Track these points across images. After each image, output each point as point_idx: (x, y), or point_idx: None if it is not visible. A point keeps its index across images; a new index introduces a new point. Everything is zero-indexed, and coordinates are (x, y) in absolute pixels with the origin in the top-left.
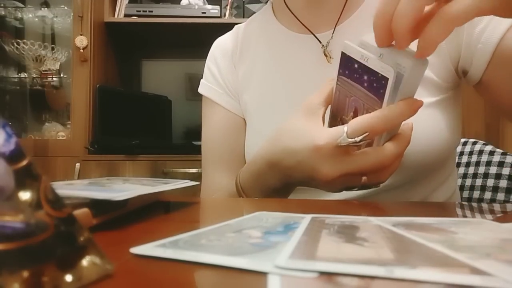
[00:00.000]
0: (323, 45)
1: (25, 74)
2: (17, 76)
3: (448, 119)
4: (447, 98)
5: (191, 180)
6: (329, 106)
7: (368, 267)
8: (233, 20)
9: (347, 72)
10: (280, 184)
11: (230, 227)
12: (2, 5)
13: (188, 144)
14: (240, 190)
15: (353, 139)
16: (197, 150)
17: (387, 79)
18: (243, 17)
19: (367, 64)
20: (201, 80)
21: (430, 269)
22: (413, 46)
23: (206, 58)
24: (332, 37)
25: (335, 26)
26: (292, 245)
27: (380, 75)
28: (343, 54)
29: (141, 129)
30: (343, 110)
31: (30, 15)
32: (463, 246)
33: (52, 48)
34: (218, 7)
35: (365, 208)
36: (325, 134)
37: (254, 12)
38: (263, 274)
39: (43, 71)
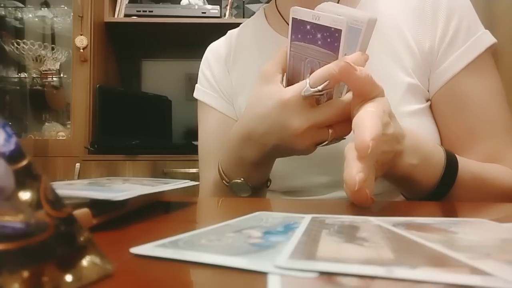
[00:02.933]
0: None
1: (25, 74)
2: (17, 76)
3: (434, 125)
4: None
5: (191, 180)
6: (285, 75)
7: (368, 267)
8: (233, 20)
9: (299, 36)
10: (258, 156)
11: (230, 227)
12: (2, 5)
13: (188, 144)
14: (221, 173)
15: (315, 88)
16: (197, 150)
17: (340, 30)
18: (243, 17)
19: (319, 22)
20: (196, 85)
21: (430, 269)
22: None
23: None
24: None
25: None
26: (292, 245)
27: (333, 29)
28: (293, 19)
29: (141, 129)
30: (299, 75)
31: (30, 15)
32: (463, 246)
33: (52, 48)
34: (218, 7)
35: (365, 208)
36: (289, 90)
37: (254, 12)
38: (263, 274)
39: (43, 71)
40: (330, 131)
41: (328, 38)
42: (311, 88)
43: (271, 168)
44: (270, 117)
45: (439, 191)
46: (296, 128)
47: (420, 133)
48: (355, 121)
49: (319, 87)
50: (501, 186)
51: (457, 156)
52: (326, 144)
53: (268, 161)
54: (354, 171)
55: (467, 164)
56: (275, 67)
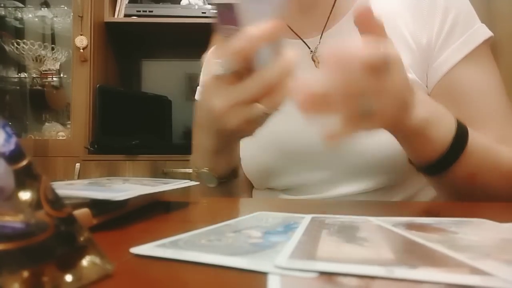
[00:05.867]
0: (311, 51)
1: (25, 74)
2: (17, 76)
3: None
4: None
5: (191, 180)
6: None
7: (368, 267)
8: None
9: (221, 19)
10: (212, 143)
11: (230, 227)
12: (2, 5)
13: (188, 144)
14: (191, 165)
15: (224, 67)
16: None
17: (237, 5)
18: None
19: (221, 1)
20: (198, 87)
21: (430, 269)
22: None
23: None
24: (319, 42)
25: (322, 32)
26: (292, 245)
27: (232, 5)
28: (212, 5)
29: (141, 129)
30: None
31: (30, 15)
32: (463, 246)
33: (52, 48)
34: None
35: (365, 208)
36: (209, 73)
37: None
38: (263, 274)
39: (43, 71)
40: (258, 105)
41: (236, 16)
42: (222, 67)
43: (233, 156)
44: (202, 103)
45: (450, 153)
46: (217, 109)
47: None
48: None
49: (228, 64)
50: (509, 164)
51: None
52: (261, 122)
53: (225, 148)
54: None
55: (477, 135)
56: (212, 55)
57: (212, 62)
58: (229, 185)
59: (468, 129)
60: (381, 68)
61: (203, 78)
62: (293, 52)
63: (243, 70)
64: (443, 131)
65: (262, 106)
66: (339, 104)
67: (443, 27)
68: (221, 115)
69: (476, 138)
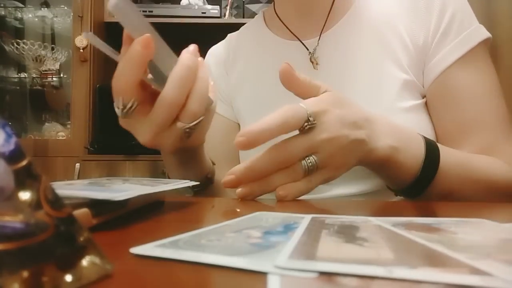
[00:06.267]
0: (310, 52)
1: (25, 74)
2: (17, 76)
3: (430, 121)
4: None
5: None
6: None
7: (368, 267)
8: (233, 20)
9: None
10: (174, 159)
11: (230, 227)
12: (2, 5)
13: None
14: (167, 177)
15: (123, 106)
16: None
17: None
18: (243, 17)
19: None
20: None
21: (430, 269)
22: None
23: (204, 58)
24: (318, 44)
25: (321, 33)
26: (292, 245)
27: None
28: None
29: None
30: None
31: (30, 15)
32: (463, 246)
33: (52, 48)
34: (218, 7)
35: (365, 208)
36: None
37: (254, 12)
38: (263, 274)
39: (43, 71)
40: (179, 123)
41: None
42: (118, 108)
43: (201, 164)
44: None
45: (423, 176)
46: (144, 142)
47: (395, 121)
48: None
49: (123, 106)
50: (491, 178)
51: (439, 145)
52: (189, 135)
53: (187, 161)
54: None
55: (450, 152)
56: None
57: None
58: (206, 191)
59: (440, 147)
60: (302, 127)
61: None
62: (188, 51)
63: (145, 94)
64: (412, 154)
65: (181, 122)
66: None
67: (439, 26)
68: (152, 145)
69: (450, 155)
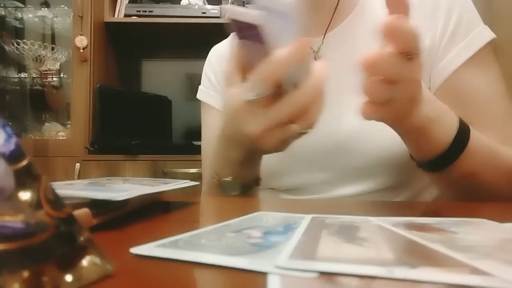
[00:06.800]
0: (314, 51)
1: (25, 74)
2: (17, 76)
3: None
4: None
5: (191, 180)
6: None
7: (368, 267)
8: None
9: (240, 34)
10: (241, 156)
11: (230, 227)
12: (2, 5)
13: (188, 144)
14: (213, 173)
15: (255, 92)
16: (197, 150)
17: (261, 26)
18: None
19: (244, 20)
20: (199, 87)
21: (430, 269)
22: None
23: (206, 58)
24: (322, 43)
25: (325, 33)
26: (292, 245)
27: (256, 25)
28: (229, 19)
29: (141, 129)
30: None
31: (30, 15)
32: (463, 246)
33: (52, 48)
34: (218, 7)
35: (365, 208)
36: (237, 96)
37: None
38: (263, 274)
39: (43, 71)
40: (293, 126)
41: (258, 34)
42: (250, 92)
43: (258, 166)
44: (232, 122)
45: (451, 152)
46: (252, 133)
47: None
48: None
49: (259, 90)
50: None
51: (470, 126)
52: (295, 139)
53: (252, 160)
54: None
55: (479, 135)
56: (231, 67)
57: (241, 86)
58: (252, 192)
59: (471, 128)
60: (414, 55)
61: (206, 76)
62: (323, 66)
63: (273, 91)
64: (445, 130)
65: (296, 126)
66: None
67: (447, 28)
68: (256, 137)
69: (478, 138)
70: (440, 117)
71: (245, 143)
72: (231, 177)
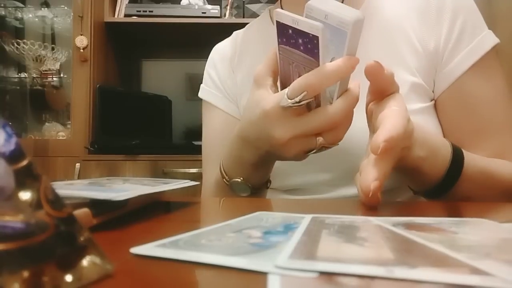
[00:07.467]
0: None
1: (25, 74)
2: (17, 76)
3: (437, 124)
4: (434, 105)
5: (191, 180)
6: (278, 77)
7: (368, 267)
8: (233, 20)
9: (284, 39)
10: (256, 158)
11: (230, 227)
12: (2, 5)
13: (188, 144)
14: (222, 172)
15: (293, 100)
16: (197, 150)
17: (317, 37)
18: (243, 17)
19: (298, 27)
20: (201, 85)
21: (430, 269)
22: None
23: (206, 58)
24: None
25: None
26: (292, 245)
27: (311, 35)
28: (277, 22)
29: (141, 129)
30: (289, 78)
31: (30, 15)
32: (463, 246)
33: (52, 48)
34: (218, 7)
35: (365, 208)
36: (271, 99)
37: (254, 12)
38: (263, 274)
39: (43, 71)
40: (319, 139)
41: (309, 44)
42: (289, 99)
43: (270, 169)
44: (258, 124)
45: (445, 183)
46: (279, 138)
47: (426, 127)
48: (379, 119)
49: (297, 99)
50: (510, 181)
51: (463, 151)
52: (316, 152)
53: (267, 163)
54: (370, 177)
55: (473, 159)
56: (265, 70)
57: (278, 92)
58: (261, 193)
59: (465, 155)
60: (409, 130)
61: (209, 75)
62: (357, 85)
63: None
64: (438, 165)
65: (322, 139)
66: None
67: (452, 33)
68: (281, 144)
69: (473, 163)
70: (433, 154)
71: (264, 146)
72: (242, 178)
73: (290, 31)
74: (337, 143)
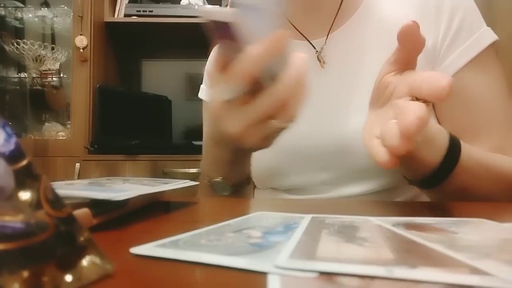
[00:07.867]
0: (317, 51)
1: (25, 74)
2: (17, 76)
3: (435, 120)
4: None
5: (191, 180)
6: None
7: (368, 267)
8: None
9: (216, 34)
10: (228, 155)
11: (230, 227)
12: (2, 5)
13: (188, 144)
14: (203, 174)
15: (231, 91)
16: (197, 150)
17: (233, 23)
18: None
19: (217, 19)
20: (201, 86)
21: (430, 269)
22: None
23: (206, 58)
24: (325, 43)
25: (328, 33)
26: (292, 245)
27: (228, 22)
28: (206, 20)
29: (141, 129)
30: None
31: (30, 15)
32: (463, 246)
33: (52, 48)
34: (218, 7)
35: (365, 208)
36: (216, 96)
37: None
38: (263, 274)
39: (43, 71)
40: (274, 122)
41: (233, 32)
42: (226, 90)
43: (247, 166)
44: (214, 124)
45: (440, 172)
46: (233, 132)
47: None
48: (417, 84)
49: (234, 89)
50: (507, 177)
51: (461, 142)
52: (278, 134)
53: (241, 159)
54: (412, 115)
55: (470, 150)
56: (213, 70)
57: (218, 86)
58: (244, 192)
59: (462, 144)
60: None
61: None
62: (301, 57)
63: (251, 88)
64: (434, 151)
65: (276, 121)
66: None
67: (449, 29)
68: (238, 137)
69: (471, 153)
70: (428, 140)
71: (229, 143)
72: (221, 178)
73: (217, 24)
74: (293, 120)
